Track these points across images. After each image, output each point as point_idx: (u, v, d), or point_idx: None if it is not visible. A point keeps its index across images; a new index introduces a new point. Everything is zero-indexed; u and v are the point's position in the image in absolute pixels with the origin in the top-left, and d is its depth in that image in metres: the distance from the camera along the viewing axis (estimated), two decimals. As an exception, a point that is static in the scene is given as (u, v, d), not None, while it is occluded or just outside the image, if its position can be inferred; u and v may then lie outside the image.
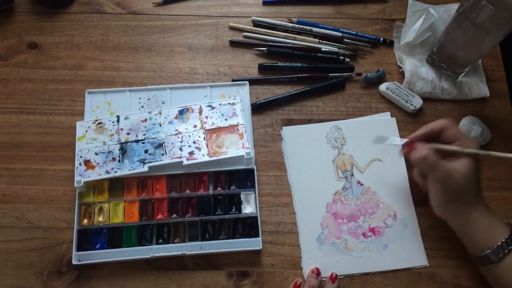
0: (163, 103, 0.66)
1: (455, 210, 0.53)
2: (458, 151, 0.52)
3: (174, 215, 0.60)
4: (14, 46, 0.70)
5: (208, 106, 0.64)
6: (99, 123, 0.63)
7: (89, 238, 0.58)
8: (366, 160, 0.64)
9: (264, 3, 0.75)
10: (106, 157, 0.60)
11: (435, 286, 0.58)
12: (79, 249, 0.57)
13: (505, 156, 0.51)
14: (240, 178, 0.61)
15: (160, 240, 0.59)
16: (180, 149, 0.61)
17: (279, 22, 0.73)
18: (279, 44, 0.72)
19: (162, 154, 0.60)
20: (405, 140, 0.58)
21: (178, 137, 0.62)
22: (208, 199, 0.60)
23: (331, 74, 0.70)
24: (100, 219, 0.59)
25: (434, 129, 0.54)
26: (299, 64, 0.70)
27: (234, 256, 0.59)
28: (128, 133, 0.62)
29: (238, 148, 0.61)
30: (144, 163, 0.60)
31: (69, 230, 0.59)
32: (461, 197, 0.52)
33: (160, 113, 0.64)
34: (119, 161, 0.60)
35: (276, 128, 0.66)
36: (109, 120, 0.63)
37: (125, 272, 0.58)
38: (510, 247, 0.49)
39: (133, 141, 0.62)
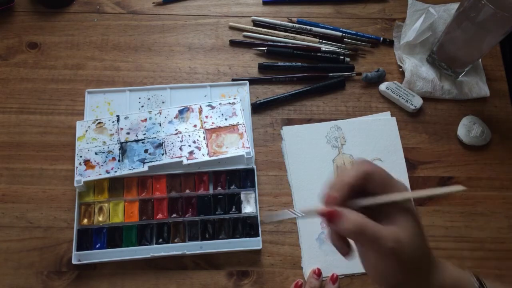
0: (163, 102, 0.66)
1: (409, 282, 0.38)
2: (388, 200, 0.37)
3: (174, 215, 0.60)
4: (14, 46, 0.70)
5: (208, 105, 0.64)
6: (99, 122, 0.63)
7: (89, 238, 0.58)
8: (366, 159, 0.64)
9: (264, 3, 0.75)
10: (106, 157, 0.60)
11: None
12: (79, 248, 0.57)
13: (448, 191, 0.41)
14: (240, 177, 0.61)
15: (160, 240, 0.58)
16: (180, 148, 0.61)
17: (279, 22, 0.73)
18: (279, 44, 0.72)
19: (162, 154, 0.60)
20: (301, 211, 0.39)
21: (178, 137, 0.62)
22: (208, 198, 0.60)
23: (331, 74, 0.70)
24: (100, 218, 0.59)
25: (353, 184, 0.37)
26: (299, 64, 0.70)
27: (234, 256, 0.59)
28: (128, 133, 0.62)
29: (238, 147, 0.61)
30: (144, 163, 0.60)
31: (69, 230, 0.59)
32: (415, 267, 0.37)
33: (160, 113, 0.64)
34: (119, 160, 0.60)
35: (276, 127, 0.66)
36: (109, 120, 0.63)
37: (125, 272, 0.58)
38: None
39: (133, 141, 0.62)
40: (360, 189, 0.37)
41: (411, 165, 0.65)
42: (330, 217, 0.36)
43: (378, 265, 0.37)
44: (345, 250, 0.38)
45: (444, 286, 0.38)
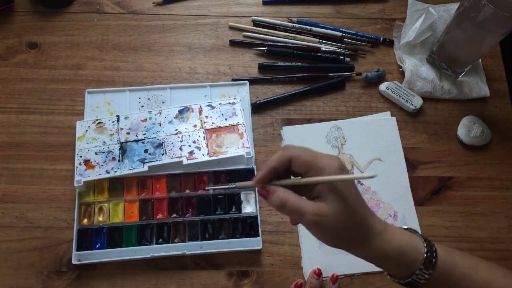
0: (163, 102, 0.66)
1: (349, 248, 0.43)
2: (307, 182, 0.41)
3: (174, 215, 0.60)
4: (14, 46, 0.70)
5: (208, 105, 0.64)
6: (99, 122, 0.63)
7: (89, 238, 0.58)
8: (366, 159, 0.64)
9: (264, 3, 0.75)
10: (106, 157, 0.60)
11: None
12: (79, 248, 0.57)
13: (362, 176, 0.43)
14: (240, 177, 0.61)
15: (160, 240, 0.58)
16: (180, 148, 0.61)
17: (279, 22, 0.73)
18: (279, 44, 0.72)
19: (162, 154, 0.60)
20: (238, 184, 0.46)
21: (178, 137, 0.62)
22: (208, 198, 0.60)
23: (331, 74, 0.70)
24: (100, 218, 0.59)
25: (277, 166, 0.42)
26: (299, 64, 0.70)
27: (234, 256, 0.59)
28: (128, 133, 0.62)
29: (238, 147, 0.61)
30: (144, 163, 0.60)
31: (69, 230, 0.59)
32: (345, 236, 0.41)
33: (160, 113, 0.64)
34: (119, 160, 0.60)
35: (276, 127, 0.66)
36: (109, 120, 0.63)
37: (125, 272, 0.58)
38: (430, 268, 0.42)
39: (133, 141, 0.62)
40: (287, 170, 0.42)
41: (411, 165, 0.65)
42: (261, 192, 0.42)
43: (311, 233, 0.43)
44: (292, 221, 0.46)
45: (383, 251, 0.41)
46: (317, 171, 0.40)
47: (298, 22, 0.74)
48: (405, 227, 0.45)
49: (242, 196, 0.61)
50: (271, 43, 0.72)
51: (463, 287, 0.42)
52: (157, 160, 0.60)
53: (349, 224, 0.41)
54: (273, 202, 0.41)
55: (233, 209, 0.60)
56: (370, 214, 0.42)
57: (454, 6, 0.68)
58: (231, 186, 0.46)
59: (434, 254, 0.42)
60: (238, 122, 0.63)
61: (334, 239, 0.42)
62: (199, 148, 0.61)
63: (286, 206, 0.41)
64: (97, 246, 0.58)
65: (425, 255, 0.42)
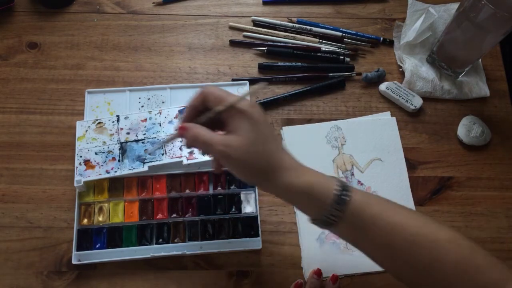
0: (163, 102, 0.66)
1: (260, 183, 0.45)
2: (216, 111, 0.43)
3: (174, 215, 0.60)
4: (14, 46, 0.70)
5: (208, 105, 0.64)
6: (99, 122, 0.63)
7: (89, 238, 0.58)
8: (367, 159, 0.64)
9: (264, 3, 0.75)
10: (106, 157, 0.60)
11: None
12: (79, 248, 0.57)
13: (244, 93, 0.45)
14: (240, 177, 0.61)
15: (160, 240, 0.58)
16: (180, 148, 0.61)
17: (279, 22, 0.73)
18: (279, 44, 0.72)
19: (162, 154, 0.60)
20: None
21: (178, 137, 0.62)
22: (208, 198, 0.60)
23: (331, 74, 0.70)
24: (100, 218, 0.59)
25: (196, 104, 0.45)
26: (299, 64, 0.70)
27: (234, 256, 0.59)
28: (128, 133, 0.62)
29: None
30: (144, 163, 0.60)
31: (69, 230, 0.59)
32: (254, 169, 0.43)
33: (160, 113, 0.64)
34: (119, 160, 0.60)
35: (276, 128, 0.66)
36: (109, 120, 0.63)
37: (125, 272, 0.58)
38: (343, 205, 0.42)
39: (133, 141, 0.62)
40: (204, 108, 0.45)
41: (411, 165, 0.65)
42: (179, 131, 0.44)
43: (225, 166, 0.45)
44: (216, 168, 0.49)
45: (293, 186, 0.43)
46: (224, 102, 0.43)
47: (298, 22, 0.74)
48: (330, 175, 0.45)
49: (242, 196, 0.61)
50: (271, 43, 0.72)
51: (376, 227, 0.42)
52: (157, 160, 0.60)
53: (256, 155, 0.43)
54: (187, 138, 0.44)
55: (233, 209, 0.60)
56: (282, 150, 0.45)
57: (454, 6, 0.68)
58: (165, 139, 0.50)
59: (347, 193, 0.42)
60: (238, 122, 0.63)
61: (244, 172, 0.44)
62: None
63: (198, 139, 0.43)
64: (97, 246, 0.58)
65: (336, 192, 0.42)
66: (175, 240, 0.58)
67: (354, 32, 0.73)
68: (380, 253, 0.44)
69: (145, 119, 0.63)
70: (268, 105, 0.67)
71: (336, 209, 0.42)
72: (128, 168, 0.60)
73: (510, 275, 0.41)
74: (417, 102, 0.67)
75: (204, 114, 0.45)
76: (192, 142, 0.44)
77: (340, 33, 0.73)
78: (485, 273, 0.41)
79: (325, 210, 0.42)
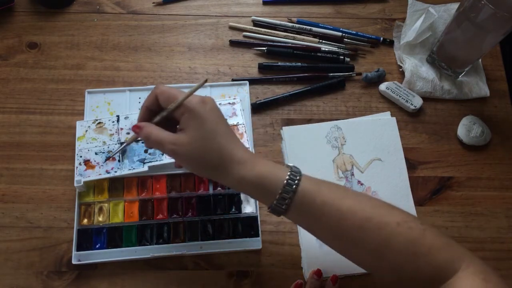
0: (163, 102, 0.66)
1: (213, 177, 0.47)
2: (167, 111, 0.45)
3: (174, 215, 0.60)
4: (14, 46, 0.70)
5: (208, 105, 0.64)
6: (99, 122, 0.63)
7: (89, 238, 0.58)
8: (366, 159, 0.64)
9: (264, 3, 0.75)
10: (106, 157, 0.60)
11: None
12: (79, 248, 0.57)
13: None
14: (240, 177, 0.61)
15: (160, 240, 0.58)
16: (180, 148, 0.61)
17: (279, 22, 0.73)
18: (279, 44, 0.72)
19: (162, 154, 0.60)
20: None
21: (178, 137, 0.62)
22: (208, 198, 0.60)
23: (331, 74, 0.70)
24: (100, 218, 0.59)
25: (149, 105, 0.47)
26: (299, 64, 0.70)
27: (234, 256, 0.59)
28: (128, 133, 0.62)
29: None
30: (144, 163, 0.60)
31: (69, 230, 0.59)
32: (205, 164, 0.45)
33: (160, 113, 0.64)
34: (119, 160, 0.60)
35: (276, 128, 0.66)
36: (109, 120, 0.63)
37: (125, 272, 0.58)
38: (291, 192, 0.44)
39: (133, 141, 0.62)
40: (158, 108, 0.46)
41: (411, 165, 0.65)
42: (133, 130, 0.47)
43: (179, 162, 0.48)
44: (175, 164, 0.51)
45: (244, 179, 0.44)
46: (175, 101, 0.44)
47: (298, 22, 0.74)
48: (289, 164, 0.46)
49: (242, 196, 0.61)
50: (271, 43, 0.72)
51: (325, 214, 0.44)
52: (157, 160, 0.60)
53: (205, 151, 0.44)
54: (141, 137, 0.46)
55: (233, 209, 0.60)
56: (233, 143, 0.45)
57: (454, 6, 0.68)
58: (124, 146, 0.53)
59: (295, 182, 0.44)
60: (238, 122, 0.63)
61: (195, 167, 0.47)
62: (199, 148, 0.61)
63: (150, 138, 0.45)
64: (97, 246, 0.58)
65: (284, 182, 0.44)
66: (175, 240, 0.58)
67: (354, 32, 0.73)
68: (332, 238, 0.46)
69: (145, 119, 0.63)
70: (268, 105, 0.67)
71: (284, 197, 0.44)
72: (128, 168, 0.60)
73: (463, 254, 0.42)
74: (417, 102, 0.67)
75: (159, 114, 0.46)
76: (146, 141, 0.46)
77: (340, 33, 0.73)
78: (438, 254, 0.42)
79: (276, 197, 0.44)
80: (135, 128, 0.47)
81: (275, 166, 0.46)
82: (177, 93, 0.45)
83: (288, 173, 0.44)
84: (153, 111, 0.47)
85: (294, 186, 0.44)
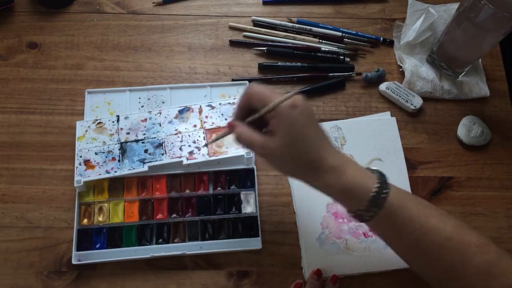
0: (163, 102, 0.66)
1: (301, 179, 0.47)
2: (260, 113, 0.44)
3: (174, 215, 0.60)
4: (14, 46, 0.70)
5: (208, 105, 0.64)
6: (99, 122, 0.63)
7: (89, 238, 0.58)
8: (366, 159, 0.64)
9: (264, 3, 0.75)
10: (106, 157, 0.60)
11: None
12: (79, 248, 0.57)
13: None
14: (240, 177, 0.61)
15: (160, 240, 0.58)
16: (180, 148, 0.61)
17: (279, 22, 0.73)
18: (279, 44, 0.72)
19: (162, 154, 0.60)
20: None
21: (178, 137, 0.62)
22: (208, 198, 0.60)
23: (331, 74, 0.70)
24: (100, 218, 0.59)
25: (242, 105, 0.46)
26: (299, 64, 0.70)
27: (234, 256, 0.59)
28: (128, 133, 0.62)
29: (238, 147, 0.61)
30: (144, 163, 0.60)
31: (69, 230, 0.59)
32: (294, 167, 0.46)
33: (160, 113, 0.64)
34: (119, 160, 0.60)
35: (276, 127, 0.66)
36: (109, 120, 0.63)
37: (125, 272, 0.58)
38: (380, 200, 0.44)
39: (133, 141, 0.62)
40: (251, 108, 0.46)
41: (411, 165, 0.65)
42: (228, 127, 0.47)
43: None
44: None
45: (332, 185, 0.45)
46: (268, 104, 0.44)
47: (298, 22, 0.74)
48: (374, 168, 0.47)
49: (242, 196, 0.61)
50: (271, 43, 0.72)
51: (408, 229, 0.44)
52: (157, 160, 0.60)
53: (292, 158, 0.44)
54: (234, 136, 0.46)
55: (233, 209, 0.60)
56: (322, 149, 0.45)
57: (454, 6, 0.68)
58: (213, 139, 0.53)
59: (383, 196, 0.44)
60: (238, 122, 0.63)
61: (283, 171, 0.47)
62: (199, 148, 0.61)
63: (241, 139, 0.45)
64: (97, 246, 0.58)
65: (372, 194, 0.44)
66: (175, 240, 0.59)
67: (354, 32, 0.73)
68: (409, 253, 0.46)
69: (145, 119, 0.63)
70: (268, 105, 0.67)
71: (369, 210, 0.44)
72: (128, 168, 0.60)
73: None
74: (417, 102, 0.67)
75: (252, 115, 0.46)
76: (237, 140, 0.46)
77: (340, 33, 0.73)
78: (510, 277, 0.43)
79: (361, 207, 0.44)
80: (229, 126, 0.46)
81: (362, 174, 0.45)
82: (270, 95, 0.44)
83: (376, 185, 0.44)
84: (247, 109, 0.46)
85: (380, 201, 0.44)
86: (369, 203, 0.44)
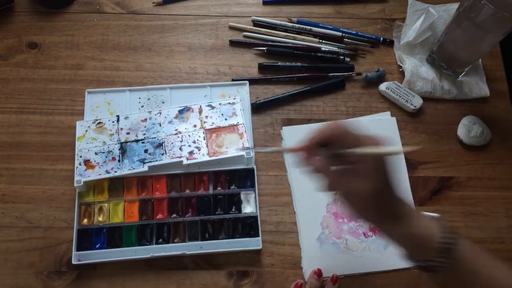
0: (163, 102, 0.66)
1: (379, 226, 0.47)
2: (349, 152, 0.44)
3: (174, 215, 0.60)
4: (14, 46, 0.70)
5: (208, 105, 0.64)
6: (99, 122, 0.63)
7: (89, 238, 0.58)
8: (366, 159, 0.64)
9: (264, 3, 0.75)
10: (106, 157, 0.60)
11: (435, 286, 0.58)
12: (79, 248, 0.57)
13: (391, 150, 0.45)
14: (240, 177, 0.61)
15: (160, 240, 0.58)
16: (180, 148, 0.61)
17: (279, 22, 0.73)
18: (279, 44, 0.72)
19: (162, 154, 0.60)
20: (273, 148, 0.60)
21: (178, 137, 0.62)
22: (208, 198, 0.60)
23: (331, 74, 0.70)
24: (100, 218, 0.59)
25: (321, 140, 0.45)
26: (299, 64, 0.70)
27: (234, 256, 0.59)
28: (128, 133, 0.62)
29: (238, 147, 0.61)
30: (144, 163, 0.60)
31: (69, 230, 0.59)
32: (365, 217, 0.46)
33: (160, 113, 0.64)
34: (119, 160, 0.60)
35: (276, 127, 0.66)
36: (109, 120, 0.63)
37: (125, 272, 0.58)
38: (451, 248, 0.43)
39: (133, 141, 0.62)
40: (328, 143, 0.45)
41: (411, 165, 0.65)
42: (297, 151, 0.45)
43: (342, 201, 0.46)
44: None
45: (408, 235, 0.44)
46: (358, 145, 0.43)
47: (298, 22, 0.74)
48: (434, 214, 0.47)
49: (242, 196, 0.61)
50: (271, 43, 0.72)
51: (474, 283, 0.44)
52: (157, 160, 0.60)
53: (367, 206, 0.44)
54: (312, 166, 0.44)
55: (233, 209, 0.60)
56: (401, 197, 0.45)
57: (454, 6, 0.68)
58: (272, 149, 0.52)
59: (453, 247, 0.43)
60: (238, 122, 0.63)
61: (355, 215, 0.46)
62: (199, 148, 0.61)
63: (313, 170, 0.44)
64: (97, 246, 0.58)
65: (440, 245, 0.43)
66: (175, 240, 0.59)
67: (354, 32, 0.73)
68: None
69: (145, 119, 0.63)
70: (268, 105, 0.67)
71: (440, 261, 0.43)
72: (128, 168, 0.60)
73: None
74: (417, 102, 0.67)
75: (331, 149, 0.44)
76: (306, 168, 0.45)
77: (340, 33, 0.73)
78: None
79: (428, 259, 0.44)
80: (300, 152, 0.45)
81: (427, 224, 0.45)
82: (363, 141, 0.44)
83: (442, 235, 0.44)
84: (321, 141, 0.45)
85: (449, 253, 0.43)
86: (438, 255, 0.43)
